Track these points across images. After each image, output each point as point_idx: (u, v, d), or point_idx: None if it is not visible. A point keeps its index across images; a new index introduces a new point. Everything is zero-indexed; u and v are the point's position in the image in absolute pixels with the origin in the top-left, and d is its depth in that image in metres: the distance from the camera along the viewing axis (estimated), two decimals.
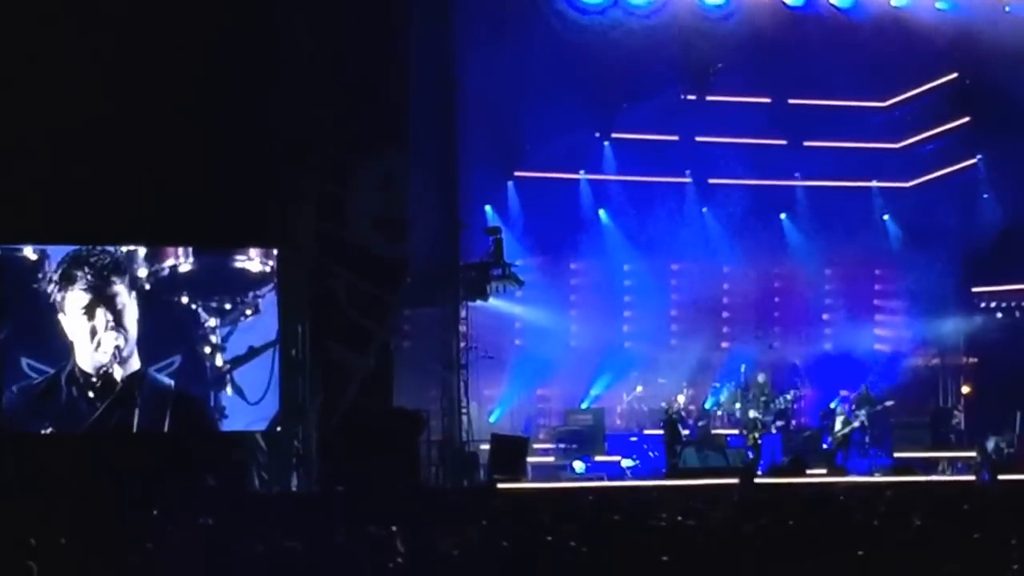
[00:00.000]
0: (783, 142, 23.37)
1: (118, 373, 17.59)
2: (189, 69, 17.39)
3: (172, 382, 17.74)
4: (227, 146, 17.45)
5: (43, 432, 17.48)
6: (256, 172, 17.67)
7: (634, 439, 22.25)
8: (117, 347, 17.58)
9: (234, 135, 17.48)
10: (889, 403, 21.88)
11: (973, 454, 22.19)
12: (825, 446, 21.87)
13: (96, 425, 17.53)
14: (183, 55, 17.38)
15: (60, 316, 17.55)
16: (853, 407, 21.83)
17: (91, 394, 17.53)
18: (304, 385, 18.18)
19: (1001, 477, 19.03)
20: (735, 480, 17.77)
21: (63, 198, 17.06)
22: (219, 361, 18.03)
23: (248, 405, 18.02)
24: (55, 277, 17.61)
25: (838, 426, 21.79)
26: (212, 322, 18.06)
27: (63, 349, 17.51)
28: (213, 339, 18.03)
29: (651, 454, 21.64)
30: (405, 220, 18.67)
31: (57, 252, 17.71)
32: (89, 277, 17.66)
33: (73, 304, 17.61)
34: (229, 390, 18.03)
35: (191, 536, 10.85)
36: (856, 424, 21.62)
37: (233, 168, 17.48)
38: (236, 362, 18.03)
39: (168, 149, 17.29)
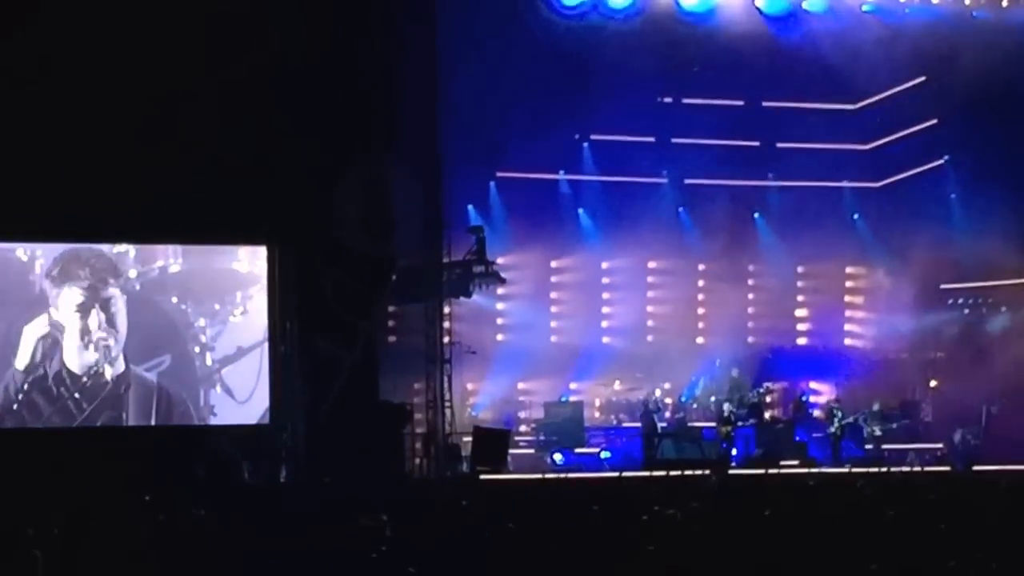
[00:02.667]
0: (756, 143, 23.77)
1: (108, 373, 17.91)
2: (179, 70, 17.66)
3: (156, 379, 18.05)
4: (216, 147, 17.70)
5: (36, 428, 17.72)
6: (246, 172, 17.94)
7: (612, 432, 22.72)
8: (107, 347, 17.89)
9: (223, 136, 17.75)
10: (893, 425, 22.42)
11: (940, 446, 22.74)
12: (797, 439, 22.40)
13: (86, 422, 17.80)
14: (173, 56, 17.64)
15: (52, 311, 17.83)
16: (865, 417, 22.24)
17: (78, 394, 17.79)
18: (293, 380, 18.56)
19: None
20: (709, 471, 18.30)
21: (53, 196, 17.26)
22: (208, 361, 18.41)
23: (236, 404, 18.42)
24: (54, 273, 17.88)
25: (840, 415, 22.28)
26: (201, 322, 18.43)
27: (53, 346, 17.78)
28: (202, 339, 18.40)
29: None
30: (391, 219, 19.04)
31: (49, 250, 17.96)
32: (87, 277, 17.93)
33: (67, 302, 17.92)
34: (218, 389, 18.42)
35: (183, 527, 11.24)
36: (864, 427, 22.10)
37: (223, 168, 17.73)
38: (225, 362, 18.44)
39: (158, 149, 17.54)
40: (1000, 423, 22.72)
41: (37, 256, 17.97)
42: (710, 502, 12.93)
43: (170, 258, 18.40)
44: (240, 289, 18.60)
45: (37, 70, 17.38)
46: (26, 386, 17.70)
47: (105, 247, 18.16)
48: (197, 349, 18.40)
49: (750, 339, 24.71)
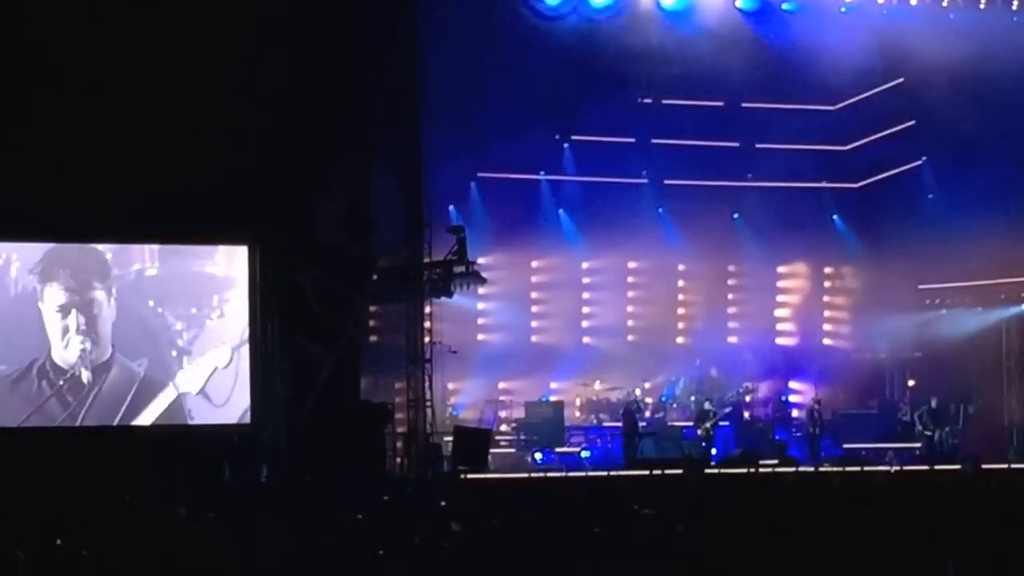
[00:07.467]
0: (736, 144, 23.85)
1: (85, 376, 17.91)
2: (159, 71, 17.70)
3: (141, 371, 18.07)
4: (197, 147, 17.75)
5: (19, 426, 17.72)
6: (226, 172, 18.00)
7: (592, 431, 22.81)
8: (84, 350, 17.89)
9: (205, 137, 17.80)
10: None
11: (918, 445, 22.88)
12: (777, 438, 22.53)
13: (68, 420, 17.82)
14: (154, 58, 17.69)
15: (40, 304, 17.83)
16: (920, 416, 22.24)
17: (68, 396, 17.81)
18: (274, 380, 18.58)
19: (943, 467, 19.76)
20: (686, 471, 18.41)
21: (31, 195, 17.28)
22: (185, 365, 18.43)
23: (214, 407, 18.45)
24: (38, 270, 17.84)
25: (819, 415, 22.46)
26: (178, 326, 18.43)
27: (38, 340, 17.78)
28: (179, 343, 18.42)
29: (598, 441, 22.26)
30: (371, 219, 19.11)
31: (26, 251, 17.94)
32: (70, 279, 17.89)
33: (50, 299, 17.89)
34: (195, 392, 18.44)
35: (163, 526, 11.27)
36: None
37: (204, 168, 17.79)
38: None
39: (139, 150, 17.59)
40: (977, 422, 22.90)
41: (13, 260, 17.92)
42: (689, 501, 13.02)
43: (147, 262, 18.39)
44: (217, 292, 18.61)
45: (16, 71, 17.38)
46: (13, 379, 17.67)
47: (86, 245, 18.14)
48: (174, 353, 18.39)
49: (730, 339, 24.82)
